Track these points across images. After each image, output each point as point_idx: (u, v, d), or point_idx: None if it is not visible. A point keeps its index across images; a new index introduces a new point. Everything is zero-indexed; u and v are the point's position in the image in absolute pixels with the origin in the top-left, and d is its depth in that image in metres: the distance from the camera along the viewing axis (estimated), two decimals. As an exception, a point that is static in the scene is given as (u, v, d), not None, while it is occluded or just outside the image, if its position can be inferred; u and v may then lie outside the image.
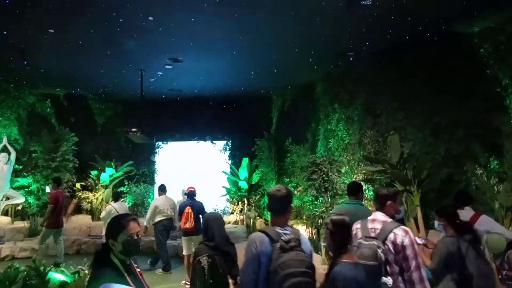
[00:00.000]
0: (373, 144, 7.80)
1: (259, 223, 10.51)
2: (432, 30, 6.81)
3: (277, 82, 10.53)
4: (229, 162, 12.82)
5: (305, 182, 8.33)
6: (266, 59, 8.50)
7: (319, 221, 7.70)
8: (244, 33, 7.02)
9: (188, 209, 6.93)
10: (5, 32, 6.90)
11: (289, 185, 10.06)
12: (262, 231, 2.47)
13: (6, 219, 10.17)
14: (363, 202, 4.55)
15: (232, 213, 11.71)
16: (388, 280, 2.66)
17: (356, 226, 3.06)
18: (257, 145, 10.92)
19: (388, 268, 2.76)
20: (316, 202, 8.07)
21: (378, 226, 2.91)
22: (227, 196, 11.93)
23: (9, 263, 6.15)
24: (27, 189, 10.57)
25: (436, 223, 3.82)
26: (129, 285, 2.12)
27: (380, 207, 3.02)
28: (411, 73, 7.32)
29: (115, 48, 7.66)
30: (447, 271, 3.32)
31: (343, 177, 8.23)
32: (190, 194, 7.23)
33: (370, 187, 7.74)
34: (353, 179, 8.19)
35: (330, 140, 9.10)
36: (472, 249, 3.32)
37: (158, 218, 7.69)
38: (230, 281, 3.39)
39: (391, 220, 2.94)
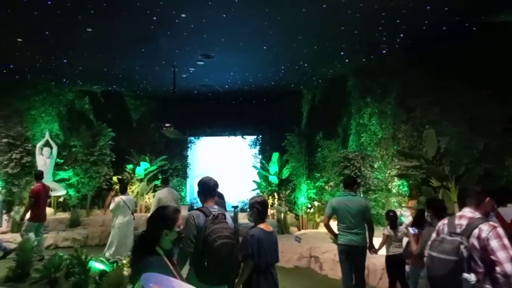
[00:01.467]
0: (407, 139, 7.60)
1: (290, 217, 10.52)
2: (470, 21, 6.52)
3: (308, 76, 10.45)
4: (259, 156, 12.88)
5: (337, 177, 8.25)
6: (296, 53, 8.45)
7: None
8: (274, 27, 7.02)
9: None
10: (46, 33, 7.25)
11: (320, 180, 9.99)
12: (197, 209, 3.21)
13: (49, 210, 10.73)
14: (356, 193, 5.17)
15: (262, 207, 11.76)
16: (470, 276, 2.57)
17: (443, 221, 3.02)
18: (287, 139, 10.90)
19: (472, 265, 2.65)
20: (348, 198, 7.97)
21: (464, 222, 2.83)
22: (258, 191, 12.00)
23: (53, 252, 6.53)
24: (67, 182, 11.10)
25: (426, 214, 4.27)
26: (173, 274, 2.19)
27: (478, 204, 2.91)
28: (447, 65, 7.06)
29: (149, 45, 7.88)
30: None
31: (376, 172, 8.08)
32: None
33: (405, 182, 7.56)
34: (387, 174, 8.03)
35: (362, 135, 8.94)
36: None
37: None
38: None
39: (479, 216, 2.85)
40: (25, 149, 10.35)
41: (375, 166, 8.16)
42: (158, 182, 12.15)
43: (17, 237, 8.39)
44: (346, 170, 7.84)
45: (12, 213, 9.56)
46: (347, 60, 8.85)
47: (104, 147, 11.48)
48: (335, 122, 10.29)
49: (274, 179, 11.41)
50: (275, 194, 11.35)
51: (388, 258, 5.18)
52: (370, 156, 8.10)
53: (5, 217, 9.89)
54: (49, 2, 5.96)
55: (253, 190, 12.05)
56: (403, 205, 7.37)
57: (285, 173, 11.21)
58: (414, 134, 7.50)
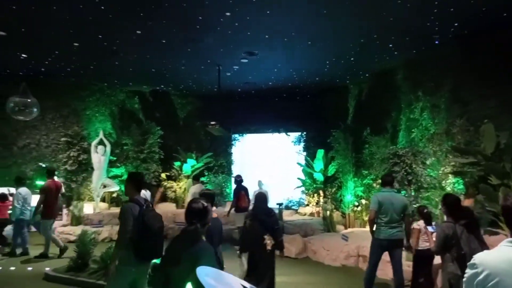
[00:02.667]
0: (463, 134, 7.16)
1: (336, 215, 10.32)
2: (537, 3, 5.99)
3: (354, 70, 10.17)
4: (304, 153, 12.75)
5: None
6: (342, 47, 8.25)
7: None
8: (319, 22, 6.88)
9: (242, 193, 8.91)
10: (99, 36, 7.65)
11: (368, 177, 9.70)
12: (132, 200, 3.82)
13: (104, 205, 11.38)
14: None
15: (307, 205, 11.65)
16: None
17: None
18: (333, 136, 10.67)
19: None
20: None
21: None
22: (302, 188, 11.89)
23: (108, 245, 6.88)
24: (120, 178, 11.67)
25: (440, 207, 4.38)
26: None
27: None
28: (506, 55, 6.55)
29: (194, 45, 8.05)
30: (447, 251, 3.92)
31: (428, 169, 7.69)
32: (239, 180, 9.09)
33: (460, 180, 7.13)
34: (440, 172, 7.63)
35: (413, 130, 8.55)
36: (466, 232, 3.82)
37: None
38: (268, 241, 4.70)
39: None
40: (81, 147, 11.02)
41: (428, 163, 7.77)
42: (204, 179, 12.42)
43: (76, 230, 8.97)
44: (396, 167, 7.54)
45: (71, 208, 10.21)
46: (396, 53, 8.49)
47: (153, 145, 11.94)
48: (383, 117, 9.92)
49: (319, 177, 11.24)
50: (321, 192, 11.18)
51: (417, 252, 5.20)
52: (422, 153, 7.72)
53: (65, 211, 10.60)
54: (102, 7, 6.26)
55: (297, 187, 11.96)
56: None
57: (331, 170, 11.00)
58: (470, 129, 7.04)
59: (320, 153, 11.33)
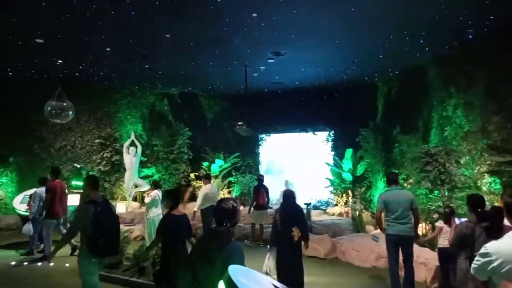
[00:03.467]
0: (499, 131, 6.88)
1: (366, 216, 10.15)
2: None
3: (383, 68, 9.96)
4: (332, 153, 12.61)
5: (418, 174, 7.75)
6: (370, 44, 8.09)
7: (433, 216, 7.12)
8: (347, 19, 6.80)
9: (261, 191, 9.41)
10: (130, 41, 7.88)
11: (400, 177, 9.47)
12: (89, 201, 4.11)
13: (136, 204, 11.71)
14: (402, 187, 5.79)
15: (336, 205, 11.53)
16: None
17: None
18: (361, 135, 10.51)
19: None
20: (431, 196, 7.46)
21: None
22: (331, 188, 11.78)
23: (140, 243, 7.09)
24: (151, 179, 11.96)
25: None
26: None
27: None
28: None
29: (222, 46, 8.15)
30: (462, 249, 3.98)
31: (462, 169, 7.43)
32: (260, 179, 9.71)
33: (497, 180, 6.84)
34: (476, 171, 7.36)
35: (446, 128, 8.28)
36: (485, 235, 3.70)
37: (207, 204, 8.61)
38: (296, 233, 5.14)
39: None
40: (114, 149, 11.42)
41: (462, 162, 7.51)
42: (232, 179, 12.55)
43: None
44: (428, 166, 7.33)
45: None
46: (427, 49, 8.25)
47: (182, 145, 12.18)
48: (414, 115, 9.66)
49: (347, 176, 11.10)
50: (349, 192, 11.03)
51: (439, 250, 5.44)
52: (456, 151, 7.47)
53: (99, 210, 10.96)
54: (132, 13, 6.46)
55: (326, 187, 11.86)
56: (496, 204, 6.67)
57: (360, 170, 10.84)
58: (508, 126, 6.75)
59: (349, 152, 11.19)
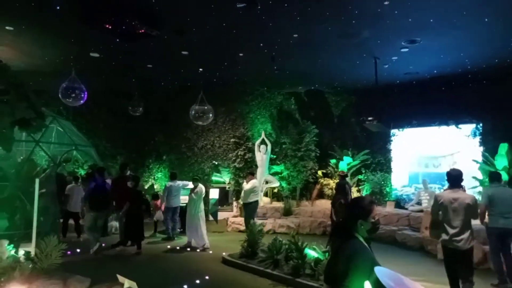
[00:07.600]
0: None
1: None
2: None
3: (550, 45, 8.23)
4: (481, 148, 11.00)
5: None
6: (532, 19, 6.78)
7: None
8: (500, -7, 5.84)
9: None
10: (261, 45, 8.30)
11: None
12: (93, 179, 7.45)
13: (266, 199, 12.31)
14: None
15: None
16: None
17: None
18: (520, 127, 8.90)
19: None
20: None
21: None
22: (479, 188, 10.29)
23: (271, 236, 7.42)
24: (280, 175, 12.43)
25: None
26: (373, 256, 2.27)
27: None
28: None
29: (350, 40, 7.92)
30: None
31: None
32: (343, 176, 9.47)
33: None
34: None
35: None
36: None
37: (254, 198, 9.23)
38: None
39: None
40: (247, 147, 12.24)
41: None
42: (361, 177, 12.11)
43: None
44: None
45: (240, 201, 11.40)
46: None
47: (309, 143, 12.29)
48: None
49: (502, 175, 9.53)
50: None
51: None
52: None
53: (235, 203, 11.92)
54: (263, 17, 6.78)
55: (473, 188, 10.42)
56: None
57: (519, 167, 9.20)
58: None
59: (503, 147, 9.58)
